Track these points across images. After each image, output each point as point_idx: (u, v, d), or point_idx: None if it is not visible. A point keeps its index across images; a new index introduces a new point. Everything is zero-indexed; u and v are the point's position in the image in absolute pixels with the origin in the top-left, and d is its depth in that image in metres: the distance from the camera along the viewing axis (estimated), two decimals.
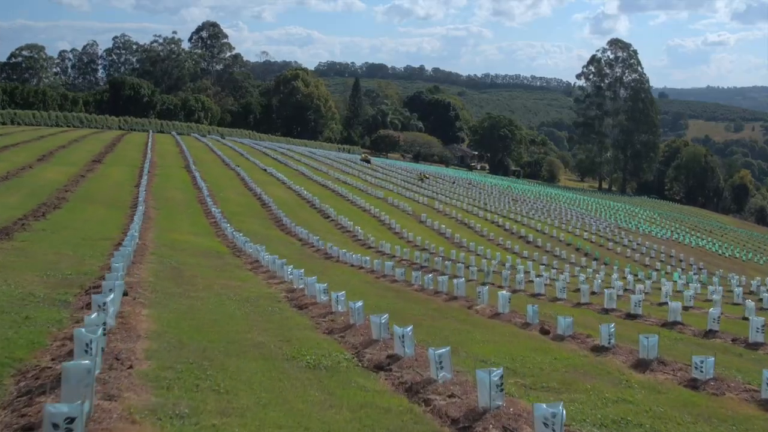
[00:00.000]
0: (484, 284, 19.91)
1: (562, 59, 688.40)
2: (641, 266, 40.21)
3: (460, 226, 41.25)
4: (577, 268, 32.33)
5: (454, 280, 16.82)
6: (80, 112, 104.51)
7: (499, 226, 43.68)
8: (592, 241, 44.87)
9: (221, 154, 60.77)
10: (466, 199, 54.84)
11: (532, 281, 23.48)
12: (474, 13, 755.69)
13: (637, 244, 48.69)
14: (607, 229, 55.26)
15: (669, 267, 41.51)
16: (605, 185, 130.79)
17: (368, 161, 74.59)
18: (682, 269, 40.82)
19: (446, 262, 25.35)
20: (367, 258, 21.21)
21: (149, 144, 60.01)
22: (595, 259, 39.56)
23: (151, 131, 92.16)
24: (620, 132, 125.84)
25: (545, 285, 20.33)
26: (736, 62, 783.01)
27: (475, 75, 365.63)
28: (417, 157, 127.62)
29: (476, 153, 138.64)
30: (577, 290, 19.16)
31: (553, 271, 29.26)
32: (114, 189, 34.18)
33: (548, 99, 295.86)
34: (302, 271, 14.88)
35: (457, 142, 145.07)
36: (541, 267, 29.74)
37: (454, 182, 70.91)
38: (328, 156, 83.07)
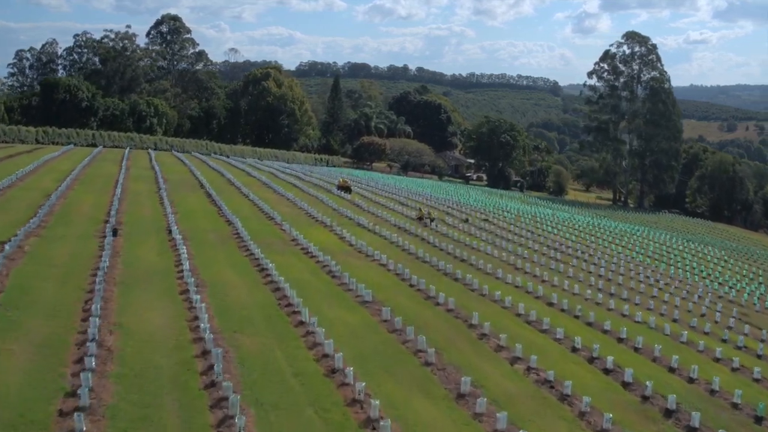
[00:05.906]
0: None
1: (544, 58, 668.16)
2: None
3: (543, 392, 18.24)
4: None
5: None
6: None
7: (602, 370, 20.72)
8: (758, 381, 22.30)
9: (121, 190, 37.31)
10: (500, 269, 31.87)
11: None
12: (455, 12, 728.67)
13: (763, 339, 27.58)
14: (711, 302, 33.59)
15: None
16: (618, 196, 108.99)
17: (348, 190, 51.60)
18: None
19: None
20: None
21: (17, 174, 36.53)
22: None
23: (71, 146, 68.63)
24: (638, 138, 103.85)
25: None
26: (718, 60, 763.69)
27: (460, 74, 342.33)
28: (406, 168, 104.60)
29: (472, 161, 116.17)
30: None
31: None
32: None
33: (535, 98, 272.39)
34: None
35: (450, 149, 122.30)
36: None
37: (467, 220, 48.18)
38: (297, 177, 60.10)
